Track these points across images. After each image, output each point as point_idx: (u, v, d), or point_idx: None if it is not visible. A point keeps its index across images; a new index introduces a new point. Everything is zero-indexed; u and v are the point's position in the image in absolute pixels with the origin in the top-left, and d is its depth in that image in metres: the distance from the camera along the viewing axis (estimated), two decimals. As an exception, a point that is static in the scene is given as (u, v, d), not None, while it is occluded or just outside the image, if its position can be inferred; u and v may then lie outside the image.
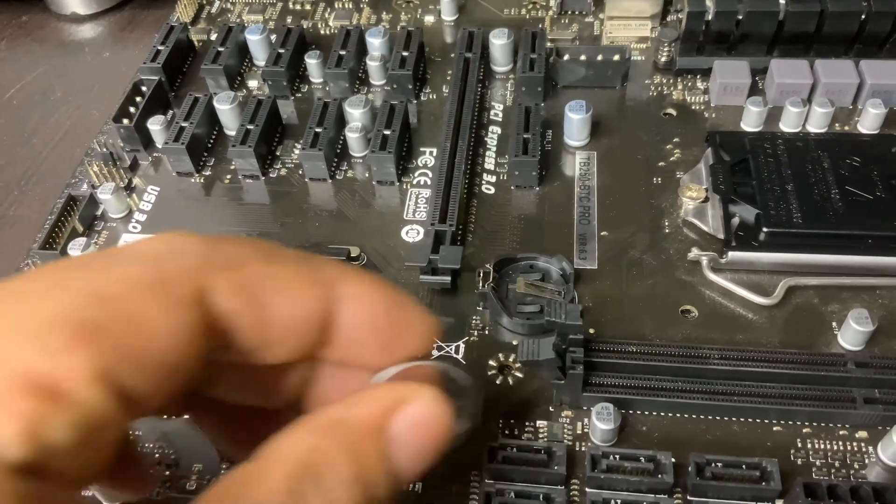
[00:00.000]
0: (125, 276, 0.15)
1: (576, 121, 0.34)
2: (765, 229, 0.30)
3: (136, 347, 0.14)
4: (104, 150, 0.36)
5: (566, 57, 0.37)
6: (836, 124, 0.35)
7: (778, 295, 0.29)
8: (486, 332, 0.29)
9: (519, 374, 0.28)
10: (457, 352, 0.29)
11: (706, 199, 0.32)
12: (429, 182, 0.35)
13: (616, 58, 0.37)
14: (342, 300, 0.17)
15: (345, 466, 0.15)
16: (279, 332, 0.17)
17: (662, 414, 0.27)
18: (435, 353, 0.29)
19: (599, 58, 0.37)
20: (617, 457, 0.25)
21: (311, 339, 0.17)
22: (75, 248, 0.32)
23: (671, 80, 0.38)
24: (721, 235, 0.31)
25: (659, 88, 0.38)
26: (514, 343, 0.29)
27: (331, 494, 0.15)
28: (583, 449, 0.26)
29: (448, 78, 0.40)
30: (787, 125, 0.35)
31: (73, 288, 0.14)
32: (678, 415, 0.27)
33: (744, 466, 0.24)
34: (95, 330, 0.14)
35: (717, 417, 0.26)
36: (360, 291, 0.18)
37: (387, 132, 0.35)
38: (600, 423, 0.26)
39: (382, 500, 0.16)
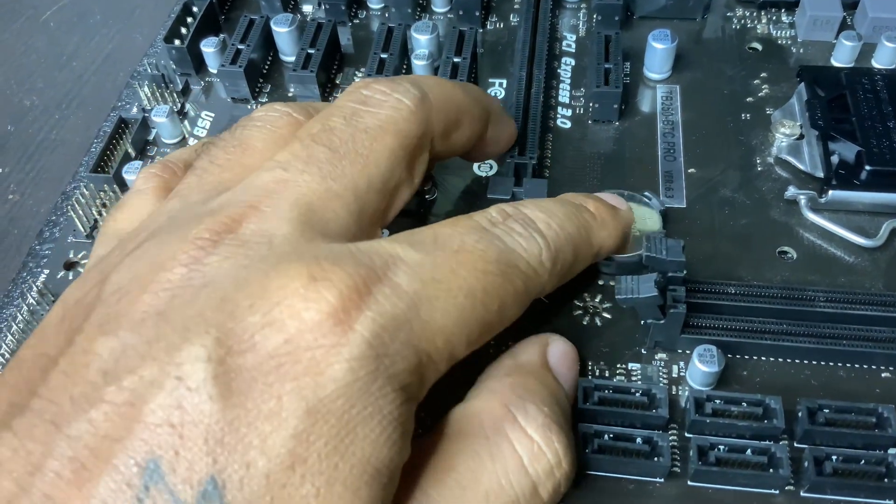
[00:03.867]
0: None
1: (660, 51, 0.32)
2: (867, 167, 0.28)
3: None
4: (155, 71, 0.34)
5: (645, -16, 0.35)
6: (932, 62, 0.33)
7: (882, 236, 0.28)
8: (570, 271, 0.28)
9: (607, 315, 0.27)
10: (539, 290, 0.27)
11: (801, 136, 0.30)
12: (500, 114, 0.33)
13: (699, -14, 0.35)
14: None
15: (540, 388, 0.21)
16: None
17: (763, 358, 0.25)
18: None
19: (680, -14, 0.35)
20: (721, 401, 0.23)
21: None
22: (131, 171, 0.30)
23: (755, 14, 0.36)
24: (819, 174, 0.29)
25: (742, 22, 0.35)
26: (600, 283, 0.27)
27: (540, 408, 0.20)
28: (679, 393, 0.25)
29: (516, 6, 0.38)
30: (881, 61, 0.33)
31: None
32: (780, 359, 0.25)
33: (853, 413, 0.23)
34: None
35: (822, 363, 0.25)
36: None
37: (457, 59, 0.33)
38: (703, 365, 0.24)
39: (566, 407, 0.22)
